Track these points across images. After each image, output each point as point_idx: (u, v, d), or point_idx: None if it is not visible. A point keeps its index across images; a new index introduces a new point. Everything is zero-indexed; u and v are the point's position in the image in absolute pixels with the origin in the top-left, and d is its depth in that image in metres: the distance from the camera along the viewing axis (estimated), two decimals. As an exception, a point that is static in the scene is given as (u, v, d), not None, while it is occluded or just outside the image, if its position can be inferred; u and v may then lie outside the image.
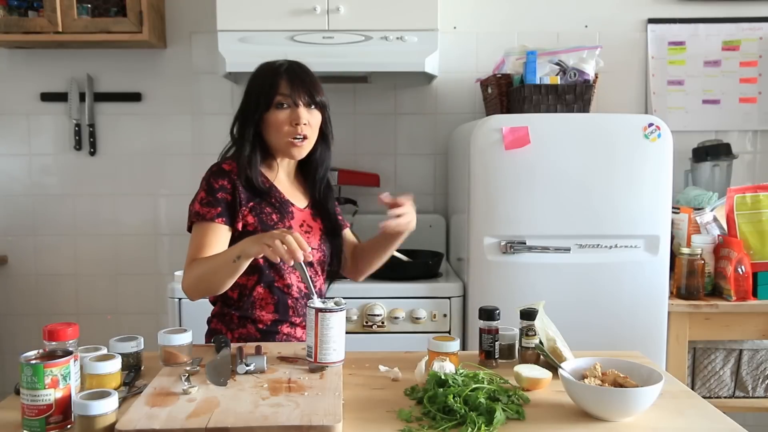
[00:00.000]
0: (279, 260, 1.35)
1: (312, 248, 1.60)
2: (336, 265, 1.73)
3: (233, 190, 1.56)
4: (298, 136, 1.56)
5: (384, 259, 1.74)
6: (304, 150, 1.60)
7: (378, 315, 2.23)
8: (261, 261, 1.55)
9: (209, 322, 1.68)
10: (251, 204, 1.57)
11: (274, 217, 1.59)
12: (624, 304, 2.24)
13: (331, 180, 1.80)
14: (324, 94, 1.61)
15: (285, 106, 1.56)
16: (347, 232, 1.80)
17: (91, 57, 2.81)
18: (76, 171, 2.88)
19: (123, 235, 2.91)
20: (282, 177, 1.67)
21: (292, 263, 1.35)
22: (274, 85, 1.56)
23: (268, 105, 1.56)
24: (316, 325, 1.33)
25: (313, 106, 1.58)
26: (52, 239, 2.90)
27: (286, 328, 1.62)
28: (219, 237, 1.54)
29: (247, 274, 1.53)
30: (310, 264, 1.61)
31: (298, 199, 1.67)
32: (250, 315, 1.61)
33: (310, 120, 1.57)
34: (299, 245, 1.33)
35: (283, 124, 1.56)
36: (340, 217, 1.76)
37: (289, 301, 1.61)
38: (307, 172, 1.71)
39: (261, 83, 1.59)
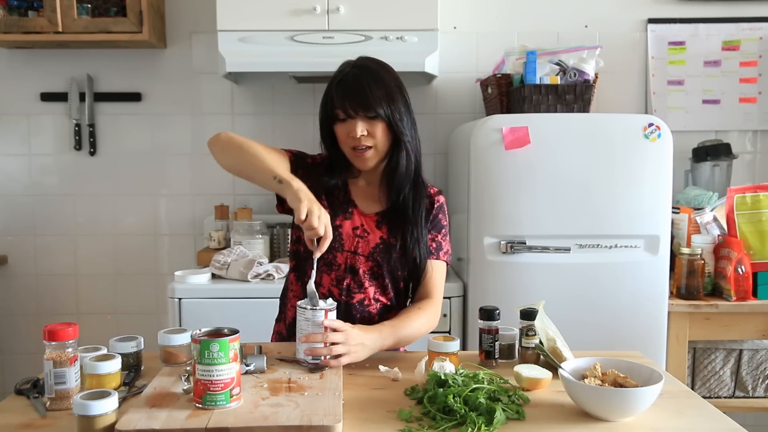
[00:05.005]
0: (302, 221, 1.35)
1: (359, 254, 1.55)
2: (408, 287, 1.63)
3: (313, 167, 1.59)
4: (360, 147, 1.50)
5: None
6: (369, 160, 1.53)
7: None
8: (302, 249, 1.57)
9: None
10: (313, 190, 1.53)
11: (327, 212, 1.54)
12: (624, 304, 2.24)
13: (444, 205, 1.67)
14: (387, 101, 1.49)
15: (343, 118, 1.50)
16: (432, 264, 1.60)
17: (91, 57, 2.81)
18: (76, 171, 2.88)
19: (123, 235, 2.91)
20: (360, 179, 1.62)
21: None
22: (329, 99, 1.52)
23: (330, 120, 1.53)
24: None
25: (370, 117, 1.49)
26: (52, 239, 2.90)
27: None
28: (279, 154, 1.55)
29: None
30: (354, 271, 1.55)
31: (367, 204, 1.60)
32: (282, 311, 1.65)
33: (371, 130, 1.49)
34: (324, 231, 1.35)
35: (343, 136, 1.52)
36: (432, 244, 1.60)
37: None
38: (389, 178, 1.58)
39: (324, 96, 1.55)
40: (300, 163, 1.58)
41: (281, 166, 1.47)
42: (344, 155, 1.56)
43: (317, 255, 1.38)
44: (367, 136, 1.49)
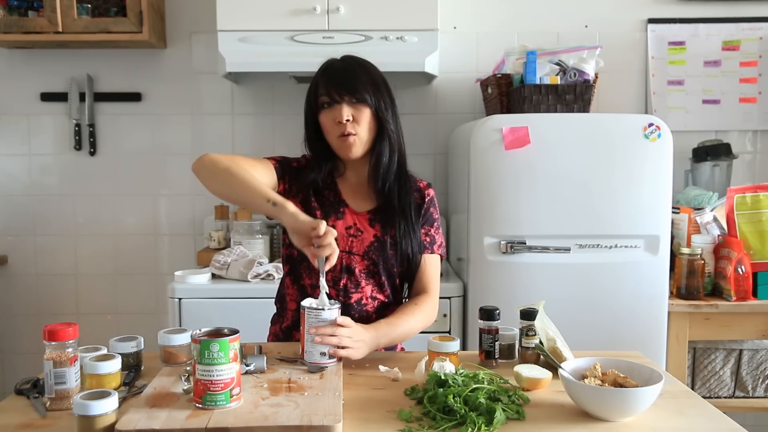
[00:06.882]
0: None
1: (354, 253, 1.55)
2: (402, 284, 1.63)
3: (299, 170, 1.58)
4: (345, 134, 1.50)
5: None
6: (355, 148, 1.52)
7: (378, 315, 2.23)
8: (295, 252, 1.54)
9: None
10: (302, 193, 1.56)
11: (318, 213, 1.55)
12: (624, 304, 2.24)
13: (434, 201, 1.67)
14: (372, 89, 1.51)
15: (327, 105, 1.51)
16: (426, 258, 1.60)
17: (91, 57, 2.81)
18: (76, 171, 2.87)
19: (123, 235, 2.91)
20: (348, 176, 1.62)
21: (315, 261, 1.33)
22: (314, 86, 1.54)
23: (315, 108, 1.54)
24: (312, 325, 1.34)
25: (356, 102, 1.50)
26: (52, 239, 2.90)
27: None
28: (264, 165, 1.53)
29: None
30: (350, 271, 1.55)
31: (358, 202, 1.60)
32: (280, 312, 1.65)
33: (356, 116, 1.50)
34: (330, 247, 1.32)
35: (329, 124, 1.52)
36: (425, 238, 1.61)
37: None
38: (374, 171, 1.57)
39: (309, 88, 1.56)
40: (286, 169, 1.58)
41: (269, 186, 1.45)
42: (329, 149, 1.56)
43: (324, 270, 1.35)
44: (353, 122, 1.50)
